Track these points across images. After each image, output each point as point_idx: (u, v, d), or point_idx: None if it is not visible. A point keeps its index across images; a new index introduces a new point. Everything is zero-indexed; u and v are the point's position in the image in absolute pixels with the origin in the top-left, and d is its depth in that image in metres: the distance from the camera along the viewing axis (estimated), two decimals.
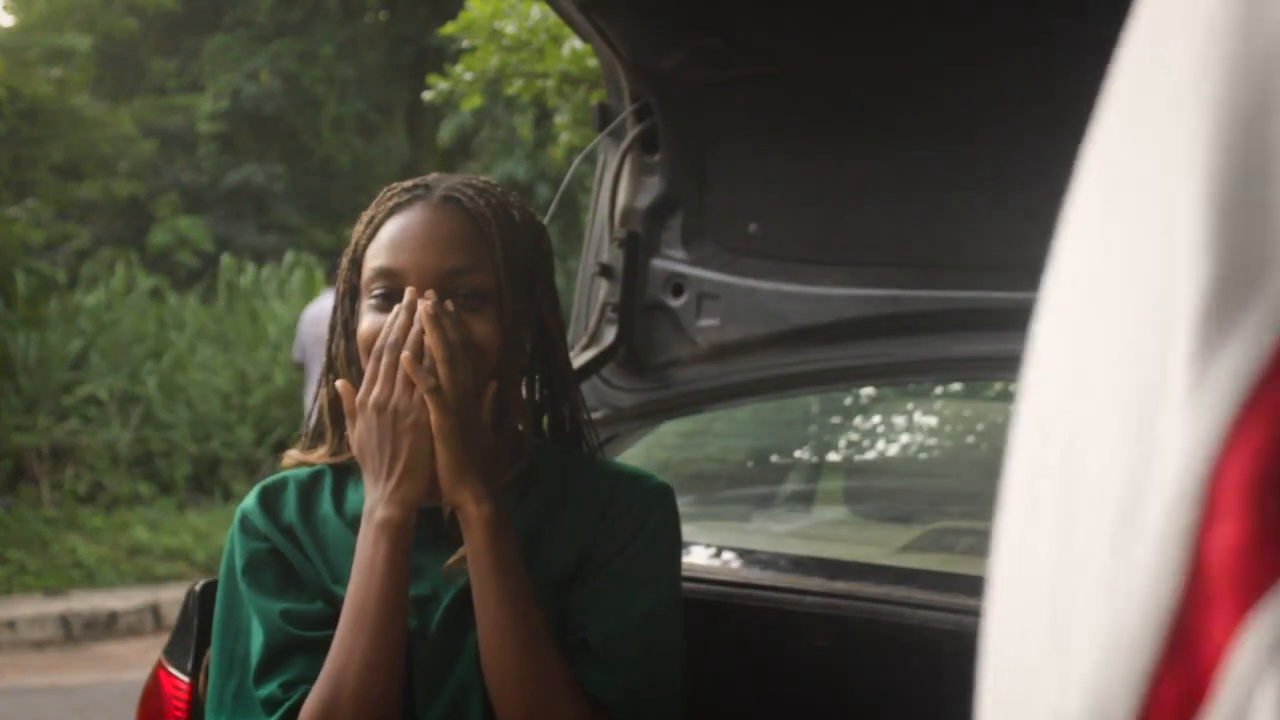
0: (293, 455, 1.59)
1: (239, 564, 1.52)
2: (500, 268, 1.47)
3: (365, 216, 1.53)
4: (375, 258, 1.48)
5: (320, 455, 1.55)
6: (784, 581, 1.87)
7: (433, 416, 1.38)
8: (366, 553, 1.40)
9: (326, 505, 1.55)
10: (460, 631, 1.47)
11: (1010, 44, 1.78)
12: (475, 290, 1.46)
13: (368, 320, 1.47)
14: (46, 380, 9.70)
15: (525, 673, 1.40)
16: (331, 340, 1.55)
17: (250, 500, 1.56)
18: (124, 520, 9.07)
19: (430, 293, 1.43)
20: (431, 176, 1.55)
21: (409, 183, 1.54)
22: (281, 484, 1.58)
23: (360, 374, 1.47)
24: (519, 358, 1.53)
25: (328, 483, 1.57)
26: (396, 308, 1.43)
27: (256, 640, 1.48)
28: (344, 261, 1.55)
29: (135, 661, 6.80)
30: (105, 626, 7.59)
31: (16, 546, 8.38)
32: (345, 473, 1.57)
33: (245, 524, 1.54)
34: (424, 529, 1.46)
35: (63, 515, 8.91)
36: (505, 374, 1.49)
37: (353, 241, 1.54)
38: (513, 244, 1.50)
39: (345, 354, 1.52)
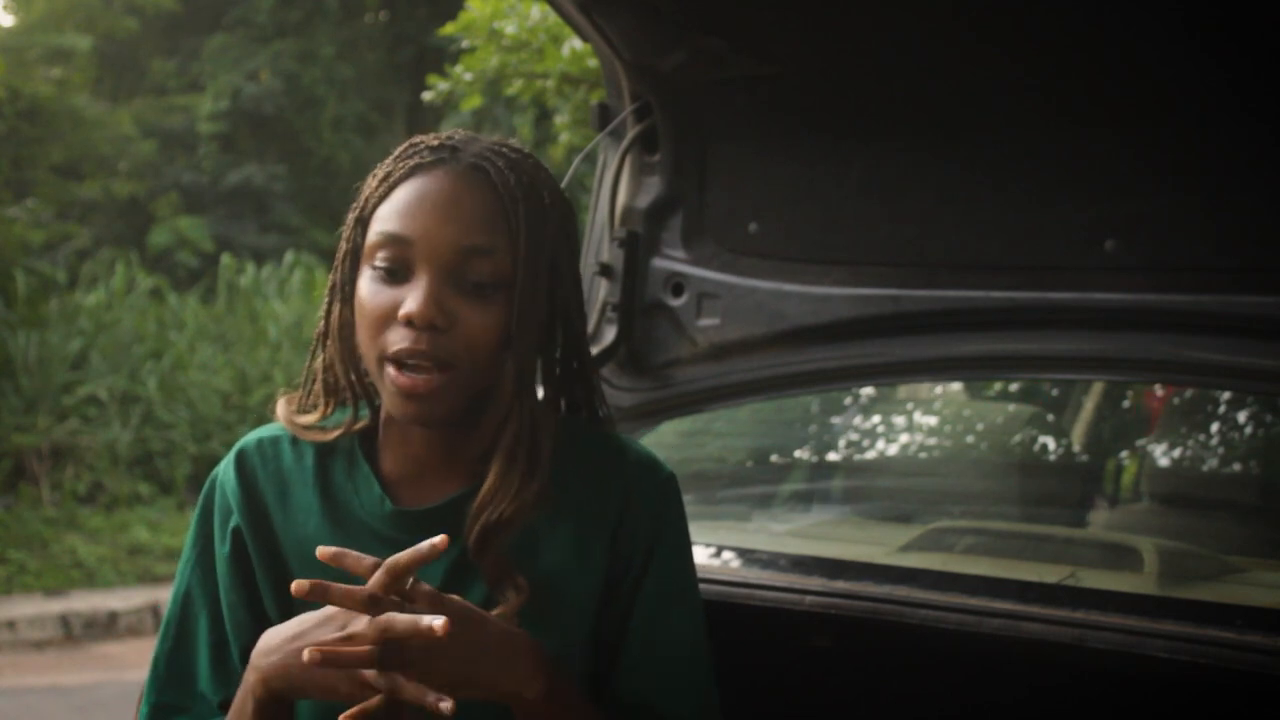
0: (284, 409, 1.45)
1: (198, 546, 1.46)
2: (520, 259, 1.34)
3: (381, 171, 1.40)
4: (385, 220, 1.35)
5: (309, 420, 1.44)
6: (784, 581, 1.87)
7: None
8: (240, 696, 1.31)
9: (308, 492, 1.43)
10: None
11: (1010, 44, 1.77)
12: (489, 279, 1.34)
13: (369, 290, 1.35)
14: (46, 380, 9.70)
15: None
16: (330, 302, 1.42)
17: (227, 467, 1.45)
18: (124, 520, 9.08)
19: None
20: (459, 135, 1.41)
21: (434, 140, 1.40)
22: (272, 442, 1.46)
23: (349, 341, 1.38)
24: (529, 352, 1.38)
25: (310, 463, 1.44)
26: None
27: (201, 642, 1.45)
28: (350, 217, 1.41)
29: (135, 661, 6.80)
30: (105, 626, 7.59)
31: (16, 546, 8.38)
32: (330, 452, 1.45)
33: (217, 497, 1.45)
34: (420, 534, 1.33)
35: (63, 515, 8.91)
36: (505, 370, 1.36)
37: (362, 197, 1.40)
38: (538, 229, 1.37)
39: (340, 319, 1.40)
